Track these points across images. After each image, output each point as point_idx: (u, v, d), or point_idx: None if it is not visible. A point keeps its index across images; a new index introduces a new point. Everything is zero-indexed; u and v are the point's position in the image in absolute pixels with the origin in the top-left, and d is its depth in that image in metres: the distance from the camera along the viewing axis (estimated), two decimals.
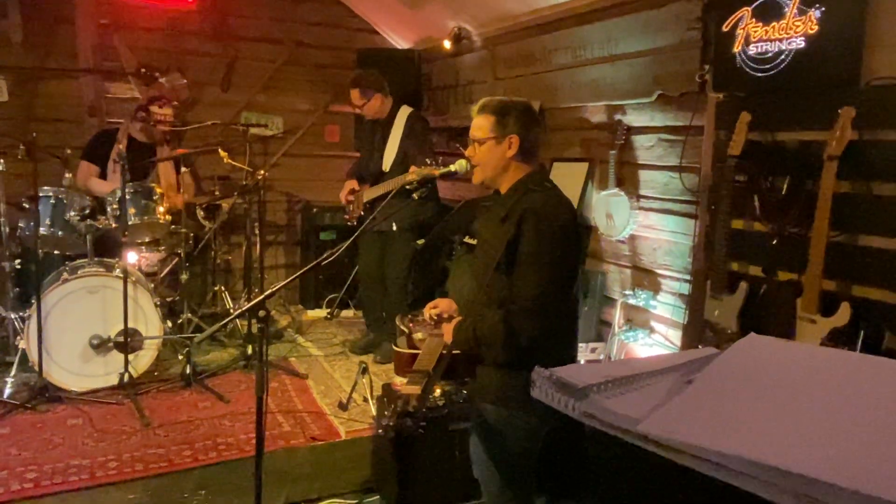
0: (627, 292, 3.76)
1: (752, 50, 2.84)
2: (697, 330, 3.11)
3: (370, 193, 4.33)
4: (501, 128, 2.13)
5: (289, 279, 2.24)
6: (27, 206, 3.88)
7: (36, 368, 3.54)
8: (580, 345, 3.82)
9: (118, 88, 5.28)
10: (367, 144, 4.50)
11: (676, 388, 0.83)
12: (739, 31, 2.89)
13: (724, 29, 2.96)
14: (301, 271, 2.25)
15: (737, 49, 2.90)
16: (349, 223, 4.61)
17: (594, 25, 3.94)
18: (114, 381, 3.69)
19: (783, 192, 2.72)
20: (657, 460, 0.71)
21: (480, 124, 2.16)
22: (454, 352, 2.10)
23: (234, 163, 4.43)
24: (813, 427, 0.74)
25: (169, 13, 5.30)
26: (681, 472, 0.70)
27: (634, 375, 0.85)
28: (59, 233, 3.87)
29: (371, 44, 6.04)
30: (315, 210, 5.73)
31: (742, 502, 0.67)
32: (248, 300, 4.75)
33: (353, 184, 4.48)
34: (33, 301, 3.56)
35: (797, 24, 2.65)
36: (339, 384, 4.02)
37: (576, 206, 4.01)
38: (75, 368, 3.69)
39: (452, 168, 2.42)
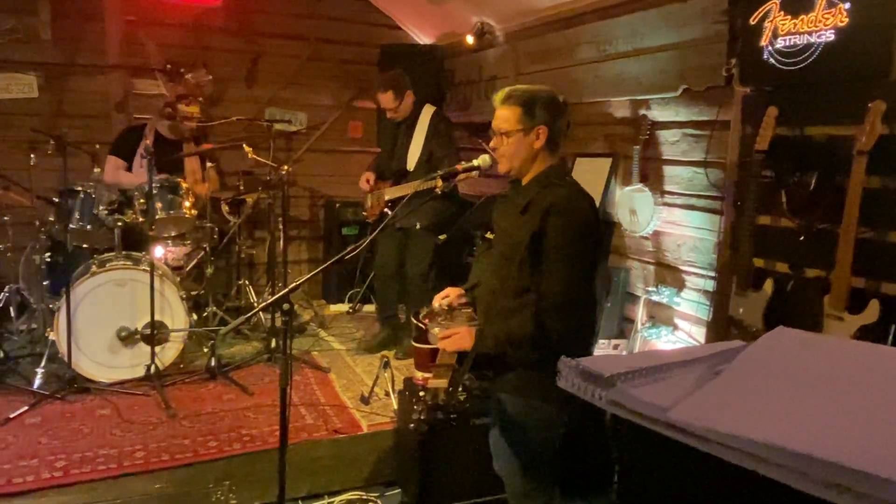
0: (650, 289, 3.73)
1: (779, 43, 2.79)
2: (722, 327, 3.08)
3: (392, 193, 4.33)
4: (529, 119, 2.09)
5: (312, 273, 2.26)
6: (57, 200, 3.96)
7: (65, 359, 3.61)
8: (602, 341, 3.81)
9: (145, 84, 5.35)
10: (389, 142, 4.50)
11: (705, 378, 0.83)
12: (767, 25, 2.84)
13: (752, 22, 2.92)
14: (325, 264, 2.28)
15: (764, 42, 2.86)
16: (367, 220, 4.62)
17: (618, 20, 3.91)
18: (140, 372, 3.75)
19: (811, 188, 2.68)
20: (684, 451, 0.70)
21: (506, 116, 2.12)
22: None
23: (258, 158, 4.47)
24: (844, 416, 0.73)
25: (194, 10, 5.36)
26: (707, 463, 0.69)
27: (661, 366, 0.85)
28: (88, 227, 3.94)
29: (393, 39, 6.05)
30: (337, 206, 5.76)
31: (770, 493, 0.66)
32: (272, 294, 4.80)
33: (370, 175, 4.48)
34: (63, 293, 3.63)
35: (826, 16, 2.60)
36: (361, 378, 4.05)
37: (599, 202, 4.00)
38: (103, 360, 3.76)
39: (475, 163, 2.41)
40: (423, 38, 6.16)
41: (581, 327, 2.14)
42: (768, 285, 2.78)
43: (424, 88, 4.69)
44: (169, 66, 5.07)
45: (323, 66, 5.96)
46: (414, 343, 2.38)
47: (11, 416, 3.29)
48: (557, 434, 2.20)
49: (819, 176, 2.66)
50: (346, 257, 2.21)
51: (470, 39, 5.24)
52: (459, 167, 2.46)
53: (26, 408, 3.38)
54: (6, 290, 4.33)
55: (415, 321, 2.38)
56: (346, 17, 5.97)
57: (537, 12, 4.57)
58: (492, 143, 2.20)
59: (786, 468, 0.61)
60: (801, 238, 2.71)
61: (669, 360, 0.88)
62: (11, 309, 4.38)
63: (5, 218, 4.15)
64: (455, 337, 2.13)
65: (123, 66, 5.17)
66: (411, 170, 4.31)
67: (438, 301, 2.39)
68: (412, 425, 2.89)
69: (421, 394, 2.99)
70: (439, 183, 2.62)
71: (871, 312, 2.34)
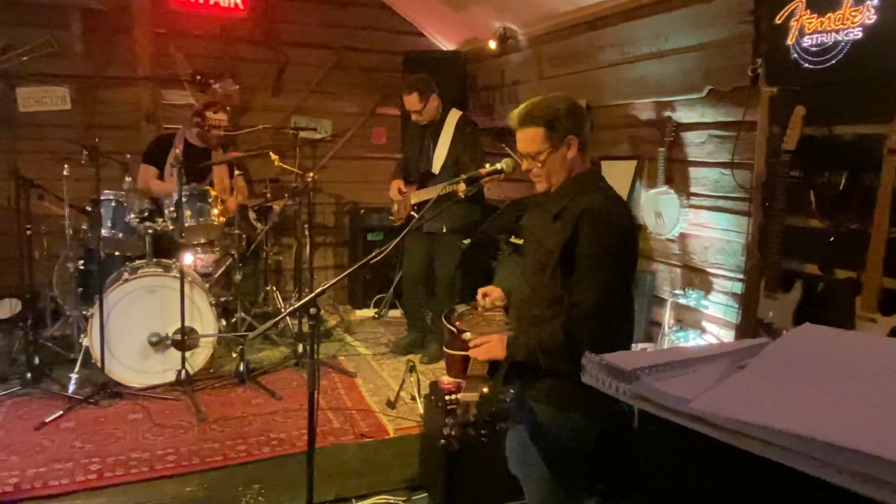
0: (677, 292, 3.70)
1: (806, 42, 2.76)
2: (751, 330, 3.04)
3: (418, 196, 4.35)
4: (555, 134, 2.05)
5: (339, 277, 2.28)
6: (90, 209, 4.04)
7: (98, 365, 3.69)
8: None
9: (174, 95, 5.45)
10: (415, 146, 4.52)
11: (729, 371, 0.82)
12: (793, 23, 2.82)
13: (777, 21, 2.89)
14: (351, 268, 2.30)
15: (791, 41, 2.83)
16: (395, 223, 4.65)
17: (642, 21, 3.90)
18: (171, 377, 3.81)
19: (840, 188, 2.65)
20: (710, 450, 0.70)
21: (530, 137, 2.07)
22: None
23: (284, 166, 4.52)
24: (872, 408, 0.72)
25: (221, 21, 5.46)
26: (732, 461, 0.69)
27: (685, 360, 0.84)
28: (120, 235, 4.03)
29: (416, 46, 6.09)
30: (362, 212, 5.81)
31: (794, 487, 0.65)
32: (299, 300, 4.84)
33: (399, 183, 4.51)
34: (96, 300, 3.71)
35: (854, 13, 2.57)
36: (387, 383, 4.07)
37: None
38: (135, 365, 3.83)
39: (499, 166, 2.42)
40: (446, 45, 6.19)
41: (616, 337, 2.08)
42: (798, 287, 2.74)
43: (447, 94, 4.70)
44: (197, 76, 5.16)
45: (347, 74, 6.02)
46: (446, 349, 2.35)
47: (47, 420, 3.37)
48: (588, 446, 2.15)
49: (848, 175, 2.62)
50: (373, 261, 2.22)
51: (492, 45, 5.25)
52: (483, 171, 2.47)
53: (61, 412, 3.46)
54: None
55: (447, 325, 2.35)
56: (369, 26, 6.02)
57: (560, 16, 4.57)
58: (524, 166, 2.15)
59: (812, 458, 0.60)
60: (831, 239, 2.68)
61: (693, 356, 0.87)
62: (46, 316, 4.49)
63: (41, 227, 4.25)
64: (486, 346, 2.10)
65: (153, 78, 5.27)
66: (436, 173, 4.33)
67: (480, 297, 2.39)
68: (442, 441, 2.88)
69: (451, 406, 2.97)
70: (462, 187, 2.62)
71: None
